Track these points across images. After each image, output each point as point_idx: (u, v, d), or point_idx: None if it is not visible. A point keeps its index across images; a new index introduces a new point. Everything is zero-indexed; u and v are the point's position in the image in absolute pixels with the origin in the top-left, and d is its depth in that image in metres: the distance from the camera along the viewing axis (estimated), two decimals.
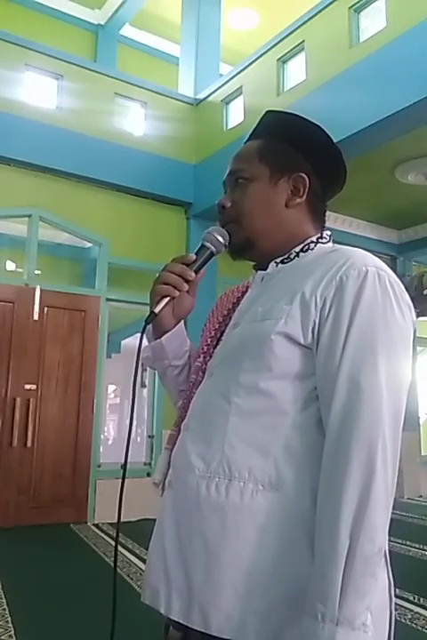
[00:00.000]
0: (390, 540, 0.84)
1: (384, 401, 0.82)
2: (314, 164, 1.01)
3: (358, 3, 4.71)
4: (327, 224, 1.08)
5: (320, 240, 1.01)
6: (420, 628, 3.02)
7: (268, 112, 1.08)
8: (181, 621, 0.88)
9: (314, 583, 0.80)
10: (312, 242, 1.01)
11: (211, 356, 1.03)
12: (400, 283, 0.91)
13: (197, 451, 0.92)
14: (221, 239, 1.02)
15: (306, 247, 1.00)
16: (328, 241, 1.03)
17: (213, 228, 1.03)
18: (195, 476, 0.91)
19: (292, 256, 1.00)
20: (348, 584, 0.78)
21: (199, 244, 1.04)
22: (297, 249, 1.00)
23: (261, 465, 0.87)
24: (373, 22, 4.65)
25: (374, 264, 0.89)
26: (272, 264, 1.02)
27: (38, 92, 5.72)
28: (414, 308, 0.92)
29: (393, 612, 0.89)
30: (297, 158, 1.01)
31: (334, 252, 0.95)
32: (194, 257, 1.02)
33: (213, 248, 1.02)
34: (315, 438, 0.88)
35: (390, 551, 0.89)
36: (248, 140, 1.08)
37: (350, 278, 0.87)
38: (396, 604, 0.91)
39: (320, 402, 0.88)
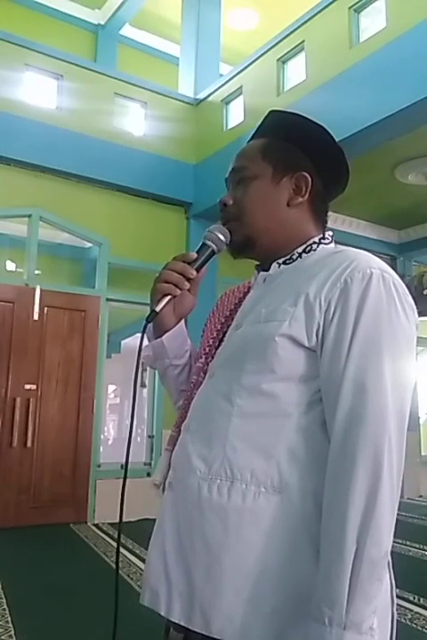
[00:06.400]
0: None
1: (390, 404, 0.82)
2: (317, 164, 1.01)
3: (358, 3, 4.70)
4: (327, 224, 1.08)
5: (323, 241, 1.01)
6: (420, 628, 3.02)
7: (271, 111, 1.08)
8: (181, 623, 0.88)
9: (320, 587, 0.80)
10: (315, 242, 1.00)
11: (213, 357, 1.02)
12: (404, 285, 0.90)
13: (199, 452, 0.92)
14: (222, 237, 1.01)
15: (309, 248, 0.99)
16: (330, 241, 1.02)
17: (214, 226, 1.02)
18: (196, 478, 0.90)
19: (294, 257, 0.99)
20: (355, 588, 0.77)
21: (200, 243, 1.03)
22: (299, 250, 0.99)
23: (263, 467, 0.87)
24: (373, 22, 4.64)
25: (379, 266, 0.89)
26: (275, 265, 1.01)
27: (38, 91, 5.72)
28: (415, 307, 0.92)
29: (395, 613, 0.89)
30: (300, 157, 1.01)
31: (337, 253, 0.95)
32: (195, 255, 1.02)
33: (214, 246, 1.01)
34: (318, 441, 0.87)
35: (391, 552, 0.88)
36: (252, 138, 1.08)
37: (354, 281, 0.87)
38: (396, 604, 0.91)
39: (325, 404, 0.88)
